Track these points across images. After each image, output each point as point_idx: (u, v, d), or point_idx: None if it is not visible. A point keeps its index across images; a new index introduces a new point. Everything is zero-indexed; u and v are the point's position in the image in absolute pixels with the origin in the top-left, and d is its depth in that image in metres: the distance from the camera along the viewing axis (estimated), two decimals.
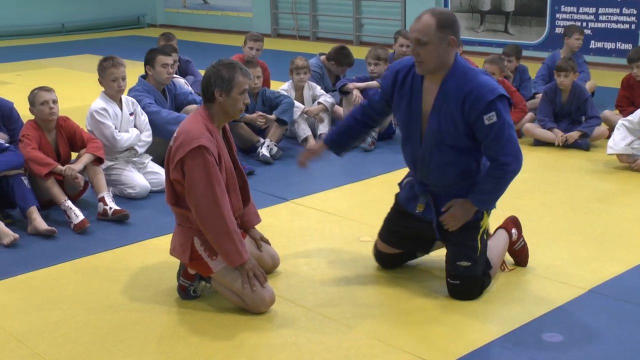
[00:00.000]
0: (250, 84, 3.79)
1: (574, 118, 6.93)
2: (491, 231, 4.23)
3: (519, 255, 4.27)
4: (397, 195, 4.17)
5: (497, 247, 4.13)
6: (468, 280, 3.87)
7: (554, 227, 4.91)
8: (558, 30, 11.16)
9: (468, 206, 3.86)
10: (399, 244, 4.17)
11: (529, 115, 7.21)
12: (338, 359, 3.37)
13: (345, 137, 4.26)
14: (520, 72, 7.95)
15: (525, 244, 4.28)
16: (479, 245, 3.90)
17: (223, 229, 3.64)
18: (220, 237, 3.66)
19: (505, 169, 3.76)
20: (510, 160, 3.75)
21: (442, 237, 3.99)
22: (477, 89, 3.67)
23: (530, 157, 6.62)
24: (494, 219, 4.21)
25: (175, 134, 3.78)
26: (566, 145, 6.76)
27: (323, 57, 7.85)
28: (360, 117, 4.20)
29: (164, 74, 6.07)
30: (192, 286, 3.92)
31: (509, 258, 4.30)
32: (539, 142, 6.90)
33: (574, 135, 6.72)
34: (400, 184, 4.18)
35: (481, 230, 3.93)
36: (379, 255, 4.25)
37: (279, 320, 3.73)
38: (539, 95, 7.31)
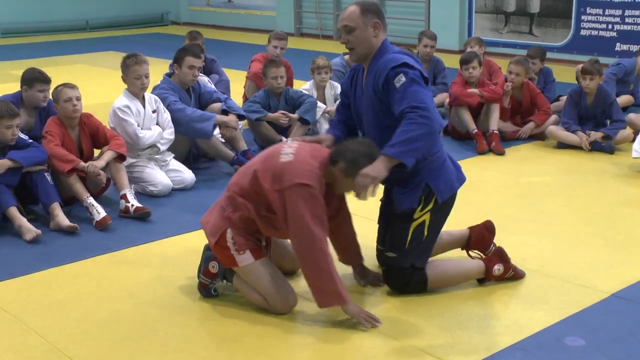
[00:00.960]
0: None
1: (598, 121, 6.87)
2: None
3: (514, 278, 4.12)
4: None
5: (457, 267, 4.03)
6: (392, 271, 3.90)
7: (577, 231, 4.86)
8: (583, 32, 11.06)
9: (378, 161, 3.63)
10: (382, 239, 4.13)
11: (553, 117, 7.16)
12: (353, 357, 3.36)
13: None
14: (544, 74, 7.88)
15: (515, 272, 4.09)
16: (409, 237, 3.84)
17: (324, 265, 3.54)
18: (321, 274, 3.54)
19: (416, 111, 3.60)
20: (422, 106, 3.60)
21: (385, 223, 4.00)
22: (385, 62, 3.76)
23: (554, 160, 6.57)
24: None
25: (291, 155, 3.66)
26: (590, 149, 6.69)
27: (347, 57, 7.83)
28: (342, 127, 4.17)
29: (189, 75, 6.08)
30: (212, 284, 3.92)
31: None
32: (562, 145, 6.84)
33: (597, 135, 6.65)
34: None
35: (415, 222, 3.84)
36: (378, 253, 4.16)
37: (300, 320, 3.72)
38: (563, 98, 7.25)
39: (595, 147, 6.70)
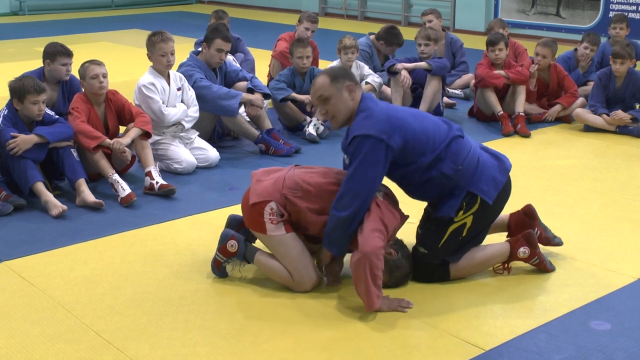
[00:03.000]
0: None
1: (627, 105, 6.78)
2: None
3: (539, 268, 4.04)
4: None
5: (482, 253, 3.96)
6: (419, 265, 3.89)
7: (604, 214, 4.82)
8: (612, 14, 10.90)
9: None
10: None
11: (580, 100, 7.08)
12: (383, 340, 3.36)
13: None
14: (592, 62, 7.69)
15: (541, 262, 3.99)
16: (444, 238, 3.81)
17: (376, 272, 3.55)
18: (368, 277, 3.54)
19: (334, 205, 3.65)
20: (342, 195, 3.62)
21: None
22: (352, 127, 3.72)
23: (580, 143, 6.51)
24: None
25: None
26: (617, 132, 6.62)
27: (372, 37, 7.78)
28: None
29: (216, 57, 6.06)
30: (227, 262, 3.91)
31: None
32: (589, 128, 6.77)
33: (624, 115, 6.55)
34: None
35: (454, 225, 3.80)
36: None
37: (324, 299, 3.73)
38: (591, 83, 7.16)
39: (623, 130, 6.62)
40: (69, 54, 5.61)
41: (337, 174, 3.85)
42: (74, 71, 5.53)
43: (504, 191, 3.89)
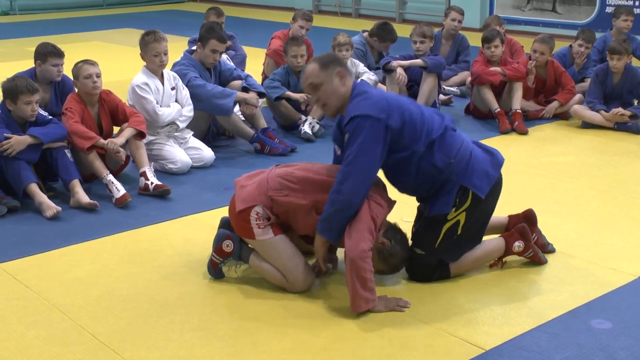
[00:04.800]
0: None
1: (624, 101, 6.76)
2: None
3: (533, 261, 4.04)
4: None
5: (480, 250, 3.94)
6: (417, 266, 3.84)
7: (603, 212, 4.79)
8: (609, 9, 10.88)
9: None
10: None
11: (578, 97, 7.06)
12: (381, 340, 3.33)
13: None
14: (588, 59, 7.66)
15: (535, 254, 4.00)
16: (440, 237, 3.76)
17: (362, 274, 3.51)
18: (355, 281, 3.51)
19: (336, 186, 3.59)
20: (339, 179, 3.57)
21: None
22: (347, 112, 3.65)
23: (578, 140, 6.49)
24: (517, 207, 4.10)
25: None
26: (615, 128, 6.60)
27: (366, 34, 7.75)
28: None
29: (210, 58, 6.02)
30: (223, 263, 3.88)
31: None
32: (587, 125, 6.75)
33: (624, 111, 6.53)
34: None
35: (448, 224, 3.76)
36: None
37: (320, 299, 3.70)
38: (589, 79, 7.14)
39: (621, 127, 6.60)
40: (60, 54, 5.56)
41: (321, 167, 3.82)
42: (67, 71, 5.47)
43: (497, 186, 3.85)
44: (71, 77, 5.31)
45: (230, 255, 3.84)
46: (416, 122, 3.67)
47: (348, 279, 3.53)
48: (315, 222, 3.69)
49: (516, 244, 3.95)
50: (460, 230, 3.79)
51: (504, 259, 3.99)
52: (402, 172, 3.77)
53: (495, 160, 3.86)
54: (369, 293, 3.52)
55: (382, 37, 7.59)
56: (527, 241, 3.97)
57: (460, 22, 8.11)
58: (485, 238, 4.03)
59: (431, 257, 3.82)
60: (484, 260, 3.97)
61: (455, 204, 3.74)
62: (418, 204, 4.06)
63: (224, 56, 6.85)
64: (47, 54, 5.52)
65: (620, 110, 6.55)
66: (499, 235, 4.03)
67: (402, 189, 3.93)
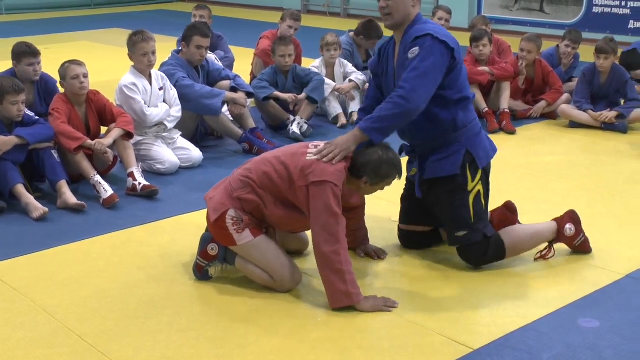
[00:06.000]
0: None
1: (611, 100, 6.79)
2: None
3: (580, 250, 4.12)
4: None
5: (526, 230, 4.01)
6: (468, 248, 3.88)
7: (591, 211, 4.80)
8: (596, 9, 10.91)
9: (350, 133, 3.70)
10: (413, 217, 4.15)
11: (565, 96, 7.08)
12: (370, 339, 3.33)
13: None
14: (575, 59, 7.70)
15: (585, 240, 4.11)
16: (471, 211, 3.83)
17: (337, 266, 3.51)
18: (331, 275, 3.51)
19: (398, 91, 3.65)
20: (406, 86, 3.63)
21: (426, 199, 3.95)
22: (413, 32, 3.73)
23: (566, 140, 6.51)
24: (543, 213, 4.11)
25: (322, 148, 3.66)
26: (603, 128, 6.62)
27: (352, 34, 7.74)
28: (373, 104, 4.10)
29: (197, 55, 6.01)
30: (209, 266, 3.87)
31: (561, 247, 4.17)
32: (574, 124, 6.77)
33: (610, 114, 6.57)
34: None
35: (472, 194, 3.84)
36: (400, 234, 4.24)
37: (308, 297, 3.69)
38: (576, 79, 7.16)
39: (608, 126, 6.62)
40: (34, 53, 5.51)
41: (274, 154, 3.80)
42: (49, 70, 5.42)
43: (489, 167, 3.99)
44: (53, 75, 5.25)
45: (216, 258, 3.84)
46: (463, 71, 3.83)
47: (322, 275, 3.54)
48: (285, 214, 3.69)
49: (567, 226, 4.04)
50: (483, 200, 3.89)
51: (553, 245, 4.05)
52: (423, 111, 3.75)
53: (493, 146, 4.04)
54: (350, 286, 3.51)
55: (368, 34, 7.58)
56: (578, 225, 4.06)
57: (447, 21, 8.11)
58: None
59: (474, 234, 3.85)
60: (537, 240, 4.04)
61: (465, 167, 3.82)
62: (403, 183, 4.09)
63: (212, 56, 6.85)
64: (21, 53, 5.48)
65: (604, 114, 6.57)
66: (552, 220, 4.11)
67: (409, 128, 3.88)
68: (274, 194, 3.67)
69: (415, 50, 3.68)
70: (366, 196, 4.02)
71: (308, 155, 3.66)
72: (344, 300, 3.52)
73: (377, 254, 4.12)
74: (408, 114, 3.66)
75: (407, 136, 4.01)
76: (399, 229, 4.25)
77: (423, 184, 3.95)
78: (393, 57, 3.92)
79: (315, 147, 3.70)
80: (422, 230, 4.18)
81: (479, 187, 3.87)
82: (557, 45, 7.64)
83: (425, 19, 3.85)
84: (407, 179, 4.17)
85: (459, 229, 3.87)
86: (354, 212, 4.03)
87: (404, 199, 4.22)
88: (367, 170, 3.65)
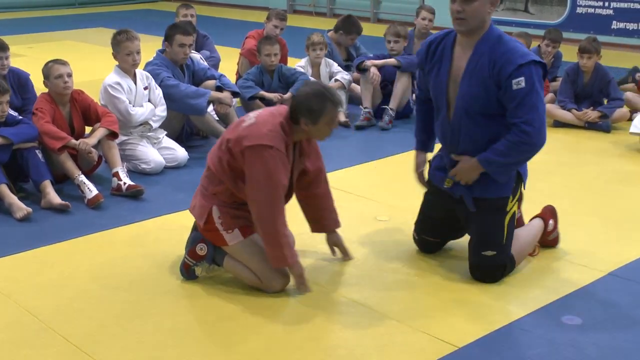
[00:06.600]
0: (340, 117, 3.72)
1: (595, 100, 6.83)
2: (526, 221, 4.17)
3: (549, 244, 4.21)
4: (428, 172, 4.09)
5: (529, 235, 4.04)
6: (489, 269, 3.82)
7: (574, 209, 4.83)
8: (579, 9, 10.97)
9: (474, 163, 3.72)
10: (436, 231, 4.09)
11: (549, 96, 7.11)
12: (355, 338, 3.34)
13: (429, 129, 4.12)
14: (556, 59, 7.74)
15: (558, 235, 4.21)
16: (505, 232, 3.79)
17: (271, 230, 3.57)
18: (268, 238, 3.61)
19: (523, 136, 3.62)
20: (531, 130, 3.61)
21: (467, 217, 3.87)
22: (509, 53, 3.63)
23: (550, 139, 6.39)
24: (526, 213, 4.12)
25: (253, 118, 3.67)
26: (587, 127, 6.67)
27: (331, 33, 7.72)
28: (424, 105, 4.10)
29: (180, 54, 6.00)
30: (196, 266, 3.87)
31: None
32: (558, 124, 6.81)
33: (593, 114, 6.61)
34: (430, 161, 4.10)
35: (508, 216, 3.80)
36: (420, 242, 4.18)
37: (295, 297, 3.70)
38: (560, 78, 7.20)
39: (592, 125, 6.67)
40: (2, 47, 5.49)
41: (221, 136, 3.80)
42: (38, 71, 5.39)
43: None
44: (37, 74, 5.21)
45: (204, 258, 3.84)
46: None
47: (263, 239, 3.64)
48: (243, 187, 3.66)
49: (550, 222, 4.14)
50: (515, 222, 3.87)
51: (539, 244, 4.13)
52: (486, 129, 3.73)
53: (524, 169, 3.99)
54: (286, 249, 3.59)
55: (347, 29, 7.57)
56: (556, 220, 4.17)
57: (431, 21, 8.12)
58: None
59: (503, 256, 3.81)
60: (534, 242, 4.08)
61: (512, 190, 3.81)
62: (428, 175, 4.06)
63: (198, 56, 6.84)
64: None
65: (588, 113, 6.61)
66: (534, 216, 4.18)
67: (466, 147, 3.79)
68: (233, 173, 3.67)
69: (522, 82, 3.58)
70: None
71: (245, 122, 3.67)
72: (280, 262, 3.62)
73: (343, 254, 4.07)
74: (533, 155, 3.73)
75: (457, 149, 3.83)
76: (418, 239, 4.18)
77: (464, 198, 3.85)
78: (450, 59, 3.78)
79: (255, 112, 3.72)
80: (435, 241, 4.15)
81: (515, 207, 3.84)
82: (539, 45, 7.68)
83: (497, 30, 3.72)
84: (430, 190, 4.07)
85: (488, 248, 3.80)
86: (315, 185, 3.94)
87: (424, 211, 4.09)
88: (301, 111, 3.60)
